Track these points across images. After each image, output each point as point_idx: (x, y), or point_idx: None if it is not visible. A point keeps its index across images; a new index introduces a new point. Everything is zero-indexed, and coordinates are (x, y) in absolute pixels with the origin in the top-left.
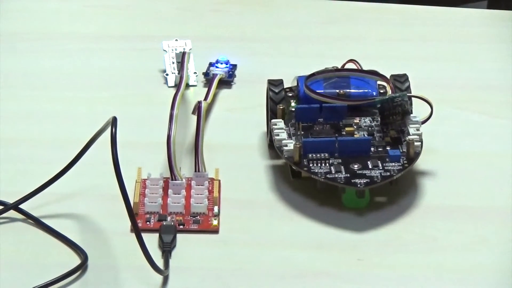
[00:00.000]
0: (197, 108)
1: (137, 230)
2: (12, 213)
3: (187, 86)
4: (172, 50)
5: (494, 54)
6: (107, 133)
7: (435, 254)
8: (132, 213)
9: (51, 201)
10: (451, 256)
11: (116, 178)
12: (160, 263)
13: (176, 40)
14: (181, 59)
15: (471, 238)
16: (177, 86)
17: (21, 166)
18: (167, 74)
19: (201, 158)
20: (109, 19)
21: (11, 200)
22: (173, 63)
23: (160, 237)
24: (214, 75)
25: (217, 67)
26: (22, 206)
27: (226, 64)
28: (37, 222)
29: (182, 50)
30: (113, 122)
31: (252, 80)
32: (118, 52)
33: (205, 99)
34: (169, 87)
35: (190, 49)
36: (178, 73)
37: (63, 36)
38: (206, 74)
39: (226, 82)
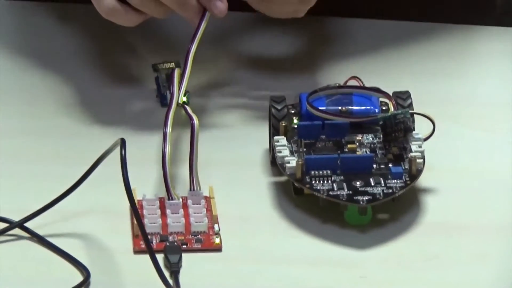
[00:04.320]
0: (191, 126)
1: (151, 251)
2: (17, 231)
3: (178, 104)
4: (163, 71)
5: (497, 70)
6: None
7: (437, 271)
8: (145, 234)
9: (55, 219)
10: (453, 272)
11: (128, 199)
12: None
13: (166, 61)
14: (170, 77)
15: (473, 254)
16: (169, 104)
17: (26, 183)
18: (158, 95)
19: (195, 176)
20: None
21: (16, 217)
22: (164, 85)
23: (166, 258)
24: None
25: None
26: (27, 224)
27: None
28: (42, 240)
29: (172, 68)
30: (122, 143)
31: (254, 96)
32: (111, 72)
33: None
34: (162, 107)
35: (179, 65)
36: (170, 93)
37: (58, 55)
38: None
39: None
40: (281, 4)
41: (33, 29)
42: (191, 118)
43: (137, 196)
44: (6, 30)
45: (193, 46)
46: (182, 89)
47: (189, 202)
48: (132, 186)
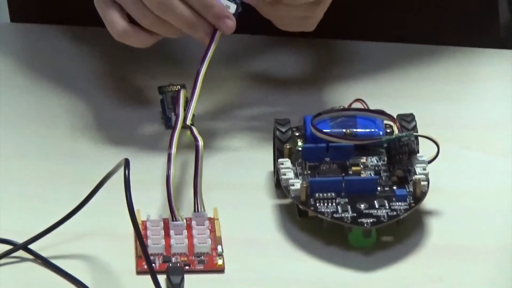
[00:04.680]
0: (195, 147)
1: (152, 272)
2: (21, 253)
3: (184, 125)
4: (168, 93)
5: (501, 92)
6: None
7: None
8: (147, 255)
9: (59, 241)
10: None
11: (131, 220)
12: None
13: (172, 84)
14: (176, 99)
15: (478, 277)
16: (174, 125)
17: (30, 204)
18: (163, 117)
19: (200, 198)
20: (110, 60)
21: (20, 239)
22: (169, 107)
23: (169, 279)
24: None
25: None
26: (31, 246)
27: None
28: (46, 262)
29: (177, 89)
30: (126, 164)
31: (258, 119)
32: (117, 94)
33: (202, 61)
34: (166, 129)
35: (184, 87)
36: (175, 115)
37: (62, 76)
38: None
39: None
40: (290, 7)
41: (42, 51)
42: (196, 140)
43: (142, 217)
44: (19, 51)
45: (203, 67)
46: (191, 109)
47: (193, 223)
48: (137, 207)
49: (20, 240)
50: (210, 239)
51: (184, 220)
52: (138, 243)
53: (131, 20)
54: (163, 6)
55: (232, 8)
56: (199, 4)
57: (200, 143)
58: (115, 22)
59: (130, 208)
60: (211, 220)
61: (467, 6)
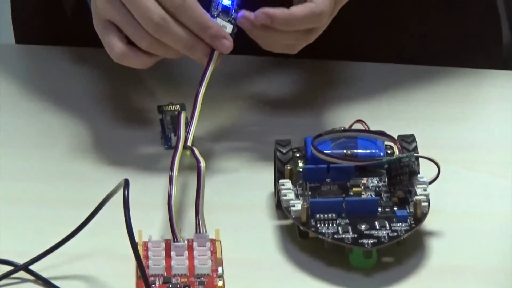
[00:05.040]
0: (197, 168)
1: None
2: (22, 274)
3: (186, 146)
4: (167, 113)
5: (502, 114)
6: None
7: None
8: (145, 276)
9: (60, 262)
10: None
11: (130, 240)
12: None
13: (172, 103)
14: (177, 120)
15: None
16: (175, 147)
17: (31, 225)
18: (162, 137)
19: (201, 219)
20: (108, 80)
21: (20, 260)
22: (169, 127)
23: None
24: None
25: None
26: (32, 266)
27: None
28: (47, 283)
29: (177, 113)
30: (125, 184)
31: (259, 140)
32: (116, 113)
33: (200, 83)
34: (166, 149)
35: (184, 107)
36: (175, 135)
37: (63, 97)
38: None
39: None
40: (284, 35)
41: (43, 71)
42: (198, 161)
43: (143, 238)
44: (22, 73)
45: (202, 88)
46: (192, 130)
47: (195, 244)
48: (139, 228)
49: (21, 261)
50: (211, 261)
51: (186, 241)
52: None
53: (129, 41)
54: (160, 28)
55: (229, 28)
56: (196, 25)
57: (202, 164)
58: (113, 44)
59: (129, 228)
60: (213, 242)
61: (470, 27)
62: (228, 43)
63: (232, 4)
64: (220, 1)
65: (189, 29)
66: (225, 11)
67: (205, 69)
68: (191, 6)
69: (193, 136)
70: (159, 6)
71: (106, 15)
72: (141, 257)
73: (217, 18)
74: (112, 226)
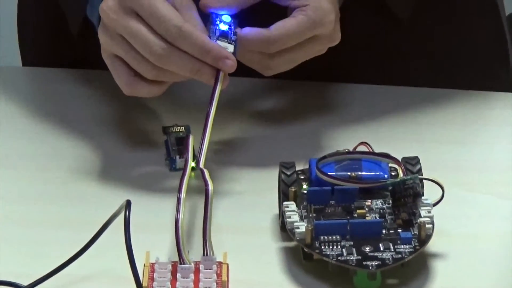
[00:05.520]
0: (205, 191)
1: None
2: None
3: (194, 168)
4: (173, 134)
5: (506, 136)
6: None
7: None
8: None
9: (63, 284)
10: None
11: (129, 263)
12: None
13: (176, 125)
14: (185, 143)
15: None
16: (183, 170)
17: (35, 247)
18: (167, 159)
19: (209, 242)
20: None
21: (24, 281)
22: (173, 149)
23: None
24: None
25: (220, 29)
26: None
27: (229, 26)
28: None
29: (183, 135)
30: (127, 205)
31: (264, 162)
32: (120, 134)
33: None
34: (170, 170)
35: (189, 128)
36: (180, 158)
37: (68, 118)
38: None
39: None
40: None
41: (48, 93)
42: (206, 184)
43: (151, 259)
44: (27, 94)
45: (212, 107)
46: (204, 151)
47: (201, 267)
48: (147, 249)
49: (25, 282)
50: (216, 283)
51: (192, 264)
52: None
53: (137, 72)
54: (163, 58)
55: (230, 48)
56: (196, 51)
57: (210, 187)
58: (121, 78)
59: (129, 250)
60: (220, 264)
61: (476, 49)
62: (231, 63)
63: (230, 29)
64: (217, 28)
65: (191, 54)
66: (224, 35)
67: (213, 90)
68: (189, 33)
69: (196, 157)
70: (158, 37)
71: (111, 49)
72: (147, 278)
73: (218, 41)
74: (116, 248)
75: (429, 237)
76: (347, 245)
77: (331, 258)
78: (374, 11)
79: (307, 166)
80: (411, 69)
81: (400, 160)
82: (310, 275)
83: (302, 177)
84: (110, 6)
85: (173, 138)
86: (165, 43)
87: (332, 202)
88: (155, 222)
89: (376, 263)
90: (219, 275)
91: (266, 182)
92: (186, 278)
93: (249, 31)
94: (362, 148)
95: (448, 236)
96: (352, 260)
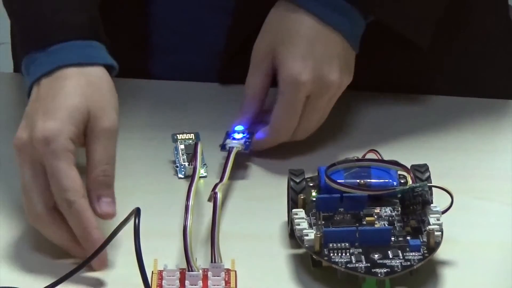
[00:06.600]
0: (213, 199)
1: None
2: None
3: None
4: (182, 141)
5: None
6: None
7: None
8: None
9: None
10: None
11: (140, 270)
12: None
13: (186, 132)
14: (193, 150)
15: None
16: (191, 177)
17: (44, 255)
18: (177, 166)
19: (217, 249)
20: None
21: None
22: (182, 155)
23: None
24: (230, 149)
25: (234, 138)
26: None
27: (243, 133)
28: None
29: (192, 142)
30: (137, 213)
31: (273, 169)
32: (130, 141)
33: (221, 178)
34: (179, 178)
35: (198, 136)
36: (189, 165)
37: None
38: (222, 146)
39: (243, 154)
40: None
41: None
42: (215, 192)
43: (159, 267)
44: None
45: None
46: (229, 166)
47: (209, 274)
48: (156, 256)
49: None
50: None
51: (200, 271)
52: None
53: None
54: (40, 221)
55: (241, 147)
56: (79, 231)
57: (219, 195)
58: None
59: (139, 257)
60: (228, 271)
61: (488, 58)
62: (99, 263)
63: (244, 137)
64: (232, 137)
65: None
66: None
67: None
68: (78, 212)
69: (206, 165)
70: (43, 200)
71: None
72: (155, 285)
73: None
74: (125, 255)
75: (438, 244)
76: (356, 252)
77: (340, 265)
78: (394, 42)
79: (316, 174)
80: (421, 76)
81: (409, 167)
82: (319, 283)
83: (311, 184)
84: (23, 142)
85: (182, 145)
86: (47, 210)
87: (341, 209)
88: (163, 229)
89: (385, 271)
90: (227, 282)
91: (275, 189)
92: (195, 285)
93: (259, 137)
94: (371, 156)
95: (457, 243)
96: (361, 267)
